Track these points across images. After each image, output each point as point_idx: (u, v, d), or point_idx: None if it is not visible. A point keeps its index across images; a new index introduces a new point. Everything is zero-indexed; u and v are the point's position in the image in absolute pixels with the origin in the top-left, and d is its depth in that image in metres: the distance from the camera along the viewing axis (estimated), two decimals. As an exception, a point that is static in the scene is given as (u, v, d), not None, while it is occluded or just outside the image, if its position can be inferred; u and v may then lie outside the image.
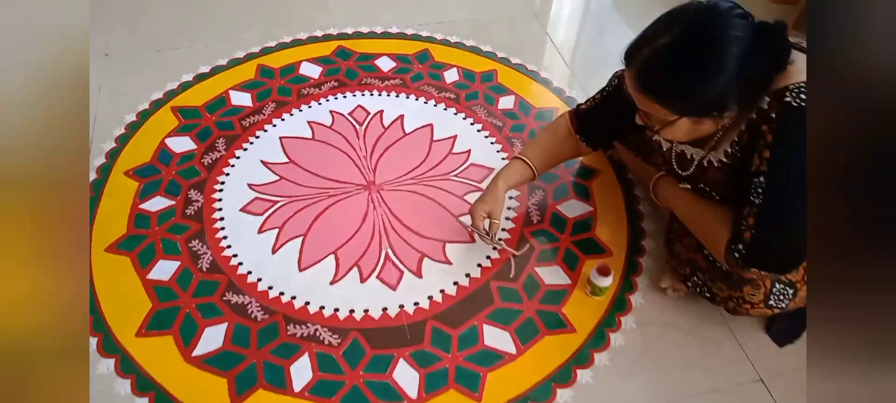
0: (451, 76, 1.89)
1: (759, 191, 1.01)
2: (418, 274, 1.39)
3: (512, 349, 1.27)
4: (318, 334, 1.28)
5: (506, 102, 1.82)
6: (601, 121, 1.35)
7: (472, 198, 1.55)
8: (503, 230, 1.48)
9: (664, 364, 1.26)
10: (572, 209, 1.54)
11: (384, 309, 1.33)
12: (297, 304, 1.33)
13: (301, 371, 1.22)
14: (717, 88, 0.97)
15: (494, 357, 1.26)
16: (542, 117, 1.79)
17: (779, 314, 1.28)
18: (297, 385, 1.20)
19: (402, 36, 2.00)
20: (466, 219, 1.41)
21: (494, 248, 1.43)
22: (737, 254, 1.06)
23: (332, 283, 1.37)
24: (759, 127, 1.00)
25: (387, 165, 1.62)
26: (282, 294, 1.34)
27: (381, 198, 1.54)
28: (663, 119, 1.05)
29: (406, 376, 1.22)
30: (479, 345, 1.27)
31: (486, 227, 1.37)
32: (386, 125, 1.72)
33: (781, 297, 1.17)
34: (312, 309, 1.32)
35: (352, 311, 1.32)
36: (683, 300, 1.36)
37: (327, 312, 1.32)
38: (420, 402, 1.19)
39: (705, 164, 1.16)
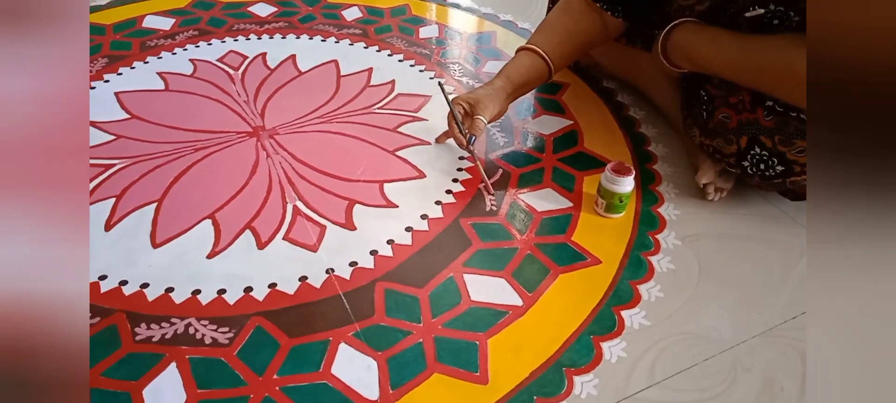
0: (351, 14, 1.45)
1: None
2: (349, 225, 0.90)
3: (516, 299, 0.80)
4: (191, 331, 0.75)
5: (428, 31, 1.40)
6: None
7: (409, 128, 1.09)
8: (475, 162, 1.03)
9: (742, 283, 0.84)
10: (547, 125, 1.12)
11: (303, 279, 0.81)
12: (152, 294, 0.79)
13: (163, 395, 0.68)
14: None
15: (492, 316, 0.78)
16: (481, 41, 1.39)
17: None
18: (158, 419, 0.66)
19: (281, -18, 1.56)
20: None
21: (469, 153, 0.98)
22: None
23: (209, 257, 0.84)
24: None
25: (279, 108, 1.13)
26: (123, 283, 0.80)
27: (276, 144, 1.04)
28: None
29: (354, 368, 0.71)
30: (465, 304, 0.79)
31: (464, 128, 0.96)
32: (272, 67, 1.24)
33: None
34: (178, 297, 0.79)
35: (248, 290, 0.80)
36: (732, 201, 0.97)
37: (205, 297, 0.79)
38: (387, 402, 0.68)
39: None
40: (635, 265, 0.86)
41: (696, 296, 0.82)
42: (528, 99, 1.19)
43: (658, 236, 0.91)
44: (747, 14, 0.83)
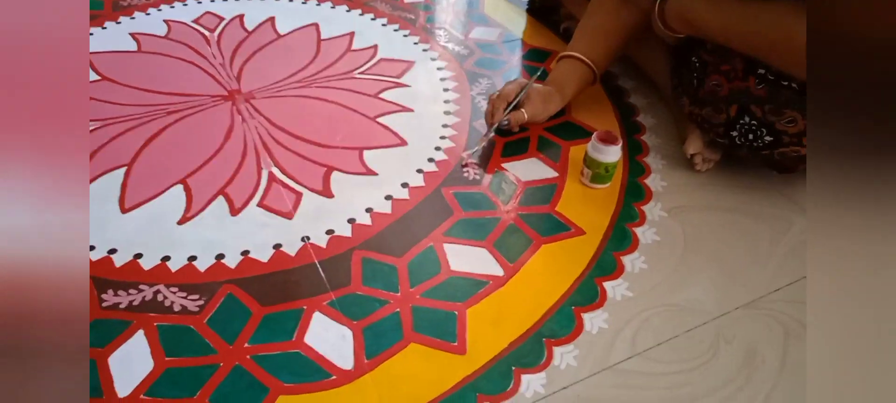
0: (335, -24, 1.41)
1: None
2: (326, 193, 0.87)
3: (496, 269, 0.78)
4: (159, 298, 0.72)
5: (414, -4, 1.36)
6: None
7: (389, 95, 1.06)
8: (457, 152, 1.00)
9: (727, 255, 0.83)
10: (533, 94, 1.09)
11: (277, 247, 0.79)
12: (120, 260, 0.76)
13: (130, 362, 0.65)
14: None
15: (471, 286, 0.76)
16: (470, 6, 1.36)
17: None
18: (125, 386, 0.63)
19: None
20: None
21: (442, 134, 0.95)
22: None
23: (180, 223, 0.81)
24: None
25: (256, 71, 1.09)
26: (91, 249, 0.77)
27: (252, 109, 1.00)
28: None
29: (328, 337, 0.69)
30: (444, 274, 0.77)
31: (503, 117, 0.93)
32: (249, 29, 1.20)
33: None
34: (147, 263, 0.76)
35: (220, 257, 0.77)
36: (719, 173, 0.95)
37: (175, 264, 0.76)
38: (361, 372, 0.66)
39: None
40: (620, 236, 0.84)
41: (681, 268, 0.80)
42: (516, 67, 1.16)
43: (644, 207, 0.89)
44: None
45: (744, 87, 0.83)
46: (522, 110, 0.93)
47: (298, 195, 0.86)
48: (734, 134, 0.86)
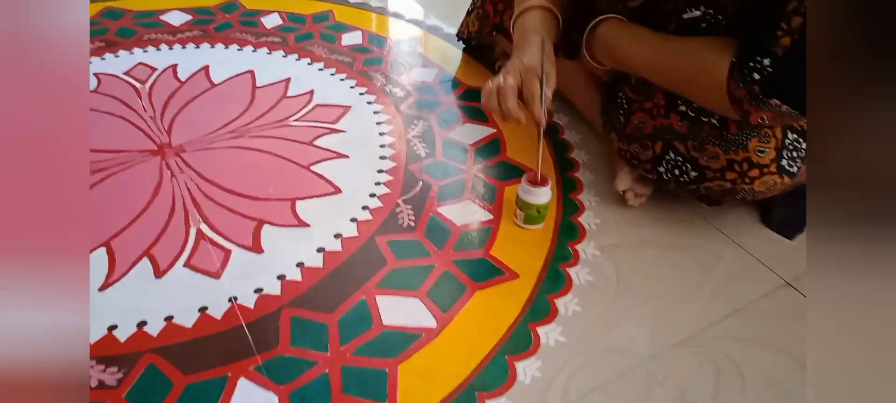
0: (271, 21, 1.40)
1: None
2: (256, 248, 0.85)
3: (430, 321, 0.77)
4: (75, 373, 0.69)
5: (352, 38, 1.36)
6: None
7: (324, 141, 1.05)
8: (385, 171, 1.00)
9: (659, 292, 0.83)
10: (469, 134, 1.10)
11: (202, 310, 0.77)
12: (34, 334, 0.73)
13: (39, 447, 0.62)
14: None
15: (404, 340, 0.75)
16: (401, 47, 1.36)
17: (774, 201, 0.93)
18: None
19: (197, -12, 1.49)
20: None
21: (373, 183, 0.94)
22: (756, 74, 0.68)
23: (102, 289, 0.78)
24: None
25: (188, 123, 1.07)
26: None
27: (182, 163, 0.98)
28: None
29: (254, 404, 0.67)
30: (376, 328, 0.76)
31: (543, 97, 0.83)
32: (183, 79, 1.18)
33: (795, 155, 0.82)
34: (64, 335, 0.73)
35: (142, 325, 0.74)
36: (652, 208, 0.96)
37: (94, 334, 0.73)
38: (286, 442, 0.64)
39: None
40: (553, 278, 0.84)
41: (614, 308, 0.81)
42: (451, 107, 1.17)
43: (578, 246, 0.89)
44: (684, 15, 0.81)
45: (667, 124, 0.85)
46: (546, 92, 0.82)
47: (227, 252, 0.84)
48: (661, 169, 0.88)
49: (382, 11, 1.49)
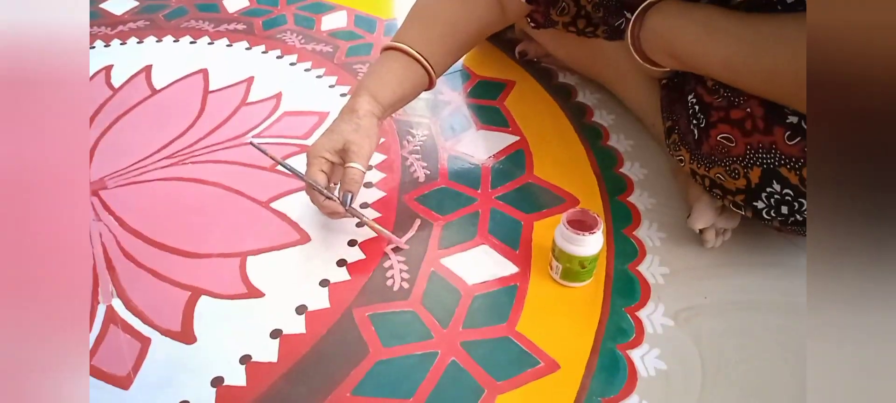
0: (235, 3, 1.14)
1: None
2: (186, 336, 0.60)
3: (429, 452, 0.52)
4: None
5: (334, 20, 1.10)
6: None
7: (294, 164, 0.79)
8: (368, 186, 0.74)
9: (765, 383, 0.57)
10: (483, 145, 0.83)
11: (98, 444, 0.52)
12: None
13: None
14: None
15: (391, 489, 0.50)
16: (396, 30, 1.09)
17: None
18: None
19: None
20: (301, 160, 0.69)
21: (355, 220, 0.70)
22: None
23: (-44, 415, 0.54)
24: None
25: (114, 147, 0.82)
26: None
27: (100, 204, 0.74)
28: None
29: None
30: (350, 467, 0.51)
31: (330, 187, 0.66)
32: (116, 86, 0.93)
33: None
34: None
35: (7, 474, 0.50)
36: (739, 246, 0.69)
37: None
38: None
39: None
40: (608, 368, 0.58)
41: (702, 417, 0.55)
42: (459, 108, 0.90)
43: (640, 313, 0.63)
44: None
45: (768, 143, 0.57)
46: (352, 165, 0.64)
47: (145, 343, 0.60)
48: (760, 206, 0.60)
49: (373, -15, 1.22)
